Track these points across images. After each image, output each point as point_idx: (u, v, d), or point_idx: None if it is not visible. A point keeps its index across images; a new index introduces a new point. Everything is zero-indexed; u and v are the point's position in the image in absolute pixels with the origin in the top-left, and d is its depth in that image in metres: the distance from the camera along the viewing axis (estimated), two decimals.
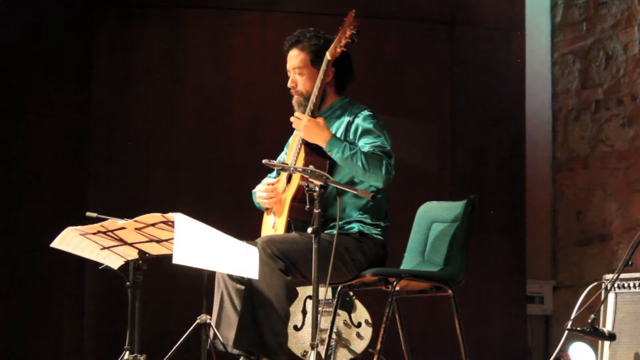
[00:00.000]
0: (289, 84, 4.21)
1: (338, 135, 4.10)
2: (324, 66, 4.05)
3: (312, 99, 4.09)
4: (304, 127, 4.03)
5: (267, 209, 4.32)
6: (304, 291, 5.52)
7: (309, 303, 5.50)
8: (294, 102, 4.20)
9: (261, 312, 3.83)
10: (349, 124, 4.14)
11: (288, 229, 4.06)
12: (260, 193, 4.25)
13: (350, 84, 4.27)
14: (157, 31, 6.35)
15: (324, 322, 4.99)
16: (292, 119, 4.09)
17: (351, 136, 4.12)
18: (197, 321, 4.60)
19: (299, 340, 5.47)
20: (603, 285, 3.99)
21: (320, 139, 4.02)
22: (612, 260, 6.43)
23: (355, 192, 3.78)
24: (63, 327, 6.09)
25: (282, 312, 3.87)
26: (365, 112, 4.15)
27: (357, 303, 5.59)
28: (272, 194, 4.20)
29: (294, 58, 4.18)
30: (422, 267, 4.30)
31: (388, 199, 4.18)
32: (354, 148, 3.99)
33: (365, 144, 4.04)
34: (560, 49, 7.03)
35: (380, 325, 4.03)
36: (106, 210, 4.23)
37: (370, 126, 4.09)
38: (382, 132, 4.09)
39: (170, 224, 3.48)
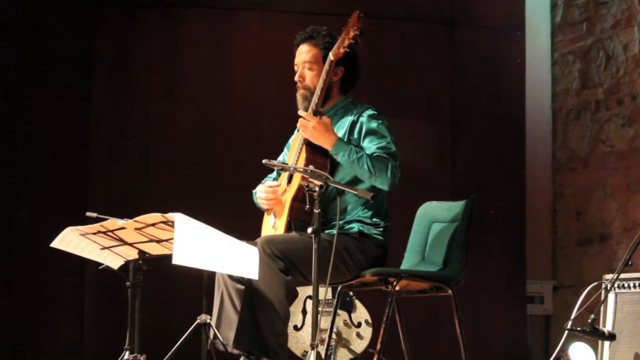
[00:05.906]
0: (296, 78, 4.20)
1: (341, 134, 4.10)
2: (326, 66, 4.06)
3: (315, 98, 4.08)
4: (312, 128, 4.01)
5: (267, 209, 4.32)
6: (304, 291, 5.52)
7: (309, 303, 5.50)
8: (299, 95, 4.18)
9: (261, 312, 3.83)
10: (353, 123, 4.14)
11: (288, 229, 4.06)
12: (260, 194, 4.25)
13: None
14: (157, 31, 6.35)
15: (324, 322, 4.99)
16: (300, 121, 4.07)
17: (355, 136, 4.11)
18: (197, 321, 4.59)
19: (299, 340, 5.47)
20: (603, 285, 3.99)
21: (326, 142, 4.01)
22: (612, 260, 6.43)
23: (355, 192, 3.78)
24: (63, 327, 6.09)
25: (282, 312, 3.86)
26: (370, 111, 4.14)
27: (357, 303, 5.59)
28: (272, 196, 4.20)
29: (305, 53, 4.18)
30: (422, 267, 4.30)
31: (388, 199, 4.18)
32: (359, 151, 3.98)
33: (370, 145, 4.04)
34: (560, 49, 7.03)
35: (380, 325, 4.03)
36: (106, 210, 4.23)
37: (375, 126, 4.09)
38: (387, 132, 4.09)
39: (170, 224, 3.48)
